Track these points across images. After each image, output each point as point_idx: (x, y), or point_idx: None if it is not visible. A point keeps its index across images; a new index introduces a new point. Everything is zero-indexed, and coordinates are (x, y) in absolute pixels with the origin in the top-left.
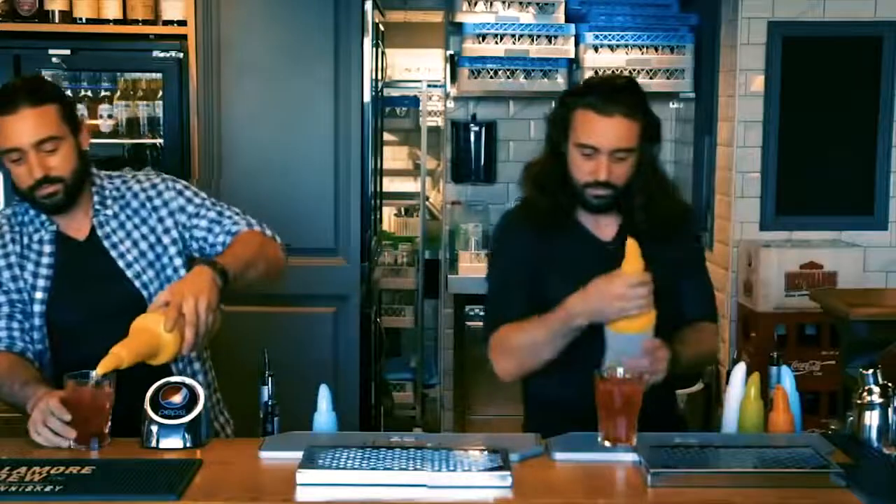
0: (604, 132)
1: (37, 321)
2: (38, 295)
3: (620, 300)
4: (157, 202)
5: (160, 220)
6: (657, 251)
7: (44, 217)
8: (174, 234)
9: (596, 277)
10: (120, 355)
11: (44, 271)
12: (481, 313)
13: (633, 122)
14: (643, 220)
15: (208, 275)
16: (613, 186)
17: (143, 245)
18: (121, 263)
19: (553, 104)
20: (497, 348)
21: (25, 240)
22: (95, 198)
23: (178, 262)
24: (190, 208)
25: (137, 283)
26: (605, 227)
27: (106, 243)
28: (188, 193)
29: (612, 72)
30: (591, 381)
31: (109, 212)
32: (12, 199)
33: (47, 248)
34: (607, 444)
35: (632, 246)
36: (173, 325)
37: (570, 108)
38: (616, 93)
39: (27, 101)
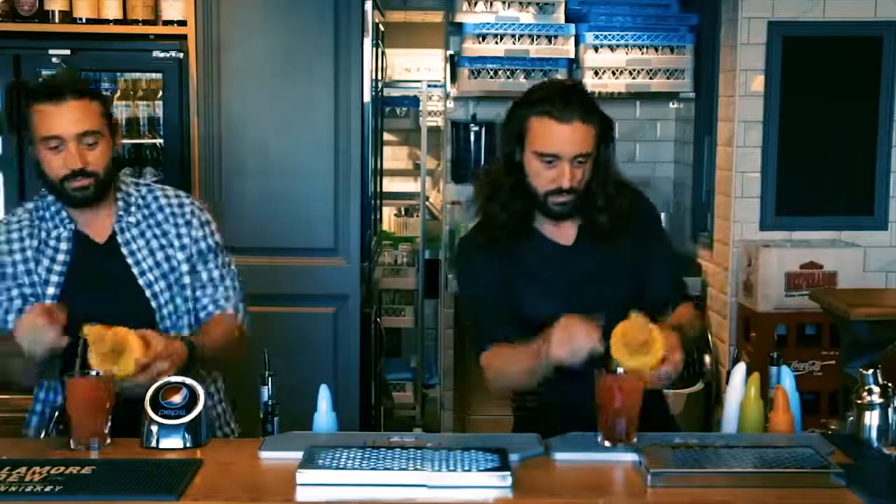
0: (564, 139)
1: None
2: (50, 290)
3: (588, 337)
4: (181, 220)
5: (179, 236)
6: (621, 247)
7: (64, 214)
8: (187, 252)
9: (560, 282)
10: (101, 334)
11: (58, 268)
12: None
13: (590, 126)
14: (604, 222)
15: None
16: (575, 191)
17: (160, 255)
18: (135, 270)
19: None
20: (488, 371)
21: (43, 234)
22: (120, 203)
23: (186, 280)
24: (203, 248)
25: (148, 293)
26: (564, 232)
27: (124, 249)
28: (208, 230)
29: (611, 72)
30: (578, 384)
31: (132, 219)
32: (14, 203)
33: (64, 246)
34: (607, 443)
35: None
36: (139, 370)
37: (524, 116)
38: (570, 97)
39: (74, 93)
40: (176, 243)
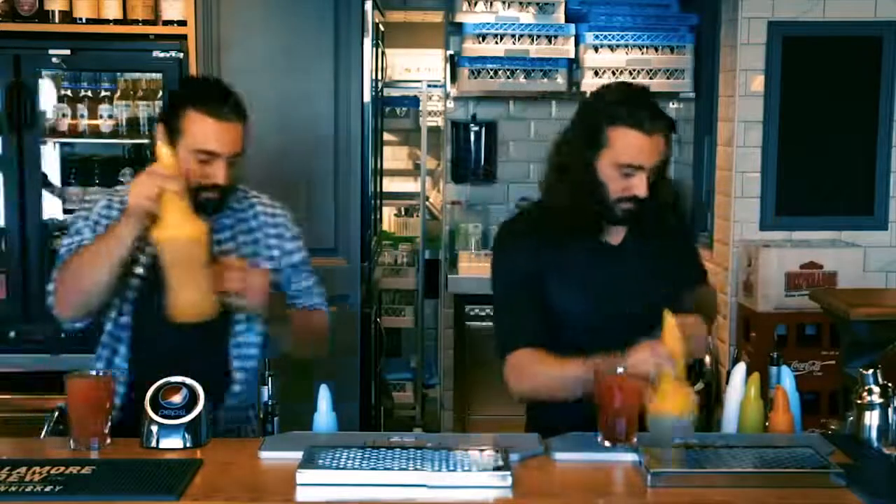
0: (647, 151)
1: (130, 294)
2: (138, 269)
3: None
4: (272, 231)
5: (269, 247)
6: (665, 248)
7: None
8: (276, 263)
9: (600, 280)
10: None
11: (149, 249)
12: (482, 313)
13: (666, 137)
14: (654, 223)
15: (279, 298)
16: (643, 200)
17: (246, 252)
18: None
19: (553, 105)
20: (515, 370)
21: None
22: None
23: None
24: (296, 260)
25: None
26: (614, 233)
27: (214, 248)
28: (298, 244)
29: (611, 72)
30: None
31: (227, 221)
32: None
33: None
34: (607, 443)
35: (669, 324)
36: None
37: (604, 125)
38: (651, 108)
39: (236, 116)
40: (264, 252)
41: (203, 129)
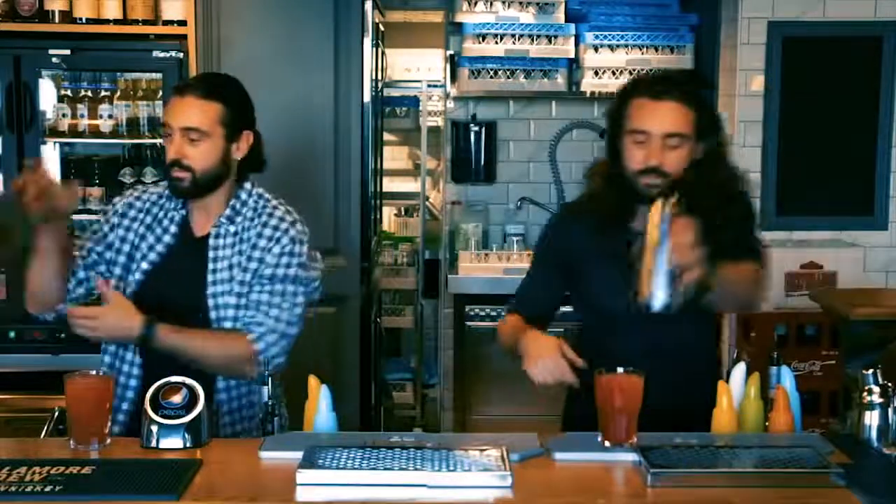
0: (655, 116)
1: (130, 288)
2: (144, 265)
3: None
4: (265, 242)
5: (260, 259)
6: (705, 249)
7: (181, 201)
8: (252, 272)
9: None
10: None
11: (159, 248)
12: (481, 313)
13: (687, 109)
14: (696, 219)
15: (136, 330)
16: (665, 174)
17: (237, 271)
18: (209, 276)
19: (553, 105)
20: (500, 328)
21: (161, 214)
22: (228, 210)
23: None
24: (267, 273)
25: (210, 302)
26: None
27: (210, 253)
28: (285, 261)
29: (611, 72)
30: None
31: (233, 227)
32: None
33: (172, 229)
34: (607, 443)
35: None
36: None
37: (627, 98)
38: (671, 80)
39: (195, 91)
40: (254, 265)
41: (168, 105)
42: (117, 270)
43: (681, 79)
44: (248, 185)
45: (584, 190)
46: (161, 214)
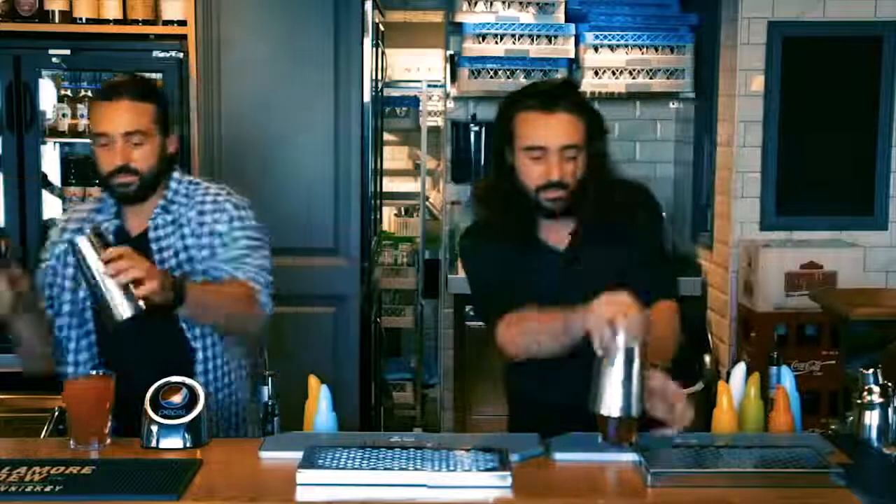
0: (549, 130)
1: (89, 301)
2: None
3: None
4: (209, 217)
5: (211, 233)
6: (615, 249)
7: (114, 210)
8: (206, 244)
9: (551, 289)
10: None
11: None
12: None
13: (578, 118)
14: (597, 222)
15: (168, 283)
16: (566, 186)
17: (183, 256)
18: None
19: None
20: (508, 327)
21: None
22: (161, 201)
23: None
24: (225, 235)
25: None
26: (561, 236)
27: (153, 245)
28: (238, 225)
29: (611, 72)
30: (577, 381)
31: (169, 217)
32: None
33: (110, 239)
34: (607, 443)
35: None
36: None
37: (511, 114)
38: (555, 91)
39: (128, 94)
40: (203, 240)
41: (97, 114)
42: (67, 296)
43: (561, 90)
44: (176, 175)
45: (478, 211)
46: (99, 219)
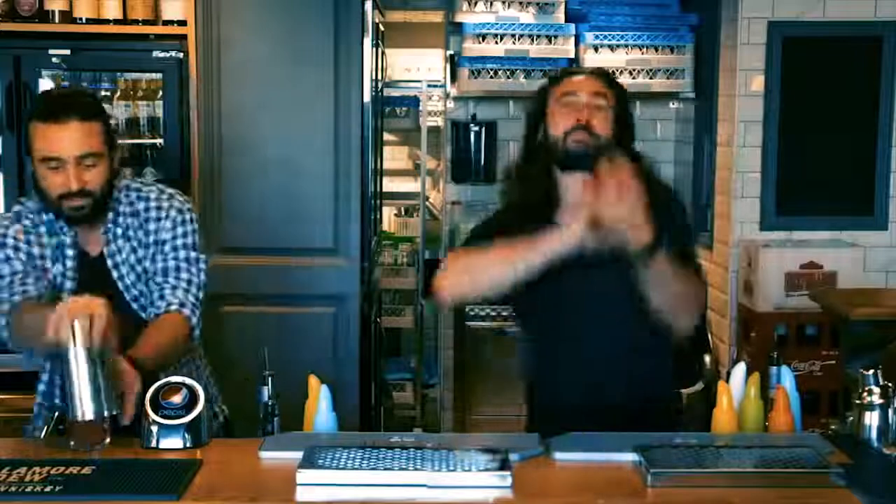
0: (580, 85)
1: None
2: (64, 296)
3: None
4: (153, 224)
5: (156, 241)
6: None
7: (61, 224)
8: (151, 250)
9: (570, 274)
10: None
11: (70, 274)
12: (482, 313)
13: (607, 88)
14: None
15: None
16: (592, 133)
17: (139, 269)
18: (120, 285)
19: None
20: (451, 272)
21: (45, 239)
22: (110, 214)
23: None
24: (167, 241)
25: (135, 306)
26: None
27: (109, 262)
28: (181, 231)
29: (612, 72)
30: (595, 382)
31: (119, 229)
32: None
33: (70, 252)
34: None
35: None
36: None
37: (546, 93)
38: (586, 70)
39: (77, 115)
40: (151, 243)
41: (44, 135)
42: (32, 290)
43: (591, 70)
44: (121, 184)
45: (507, 191)
46: (45, 239)
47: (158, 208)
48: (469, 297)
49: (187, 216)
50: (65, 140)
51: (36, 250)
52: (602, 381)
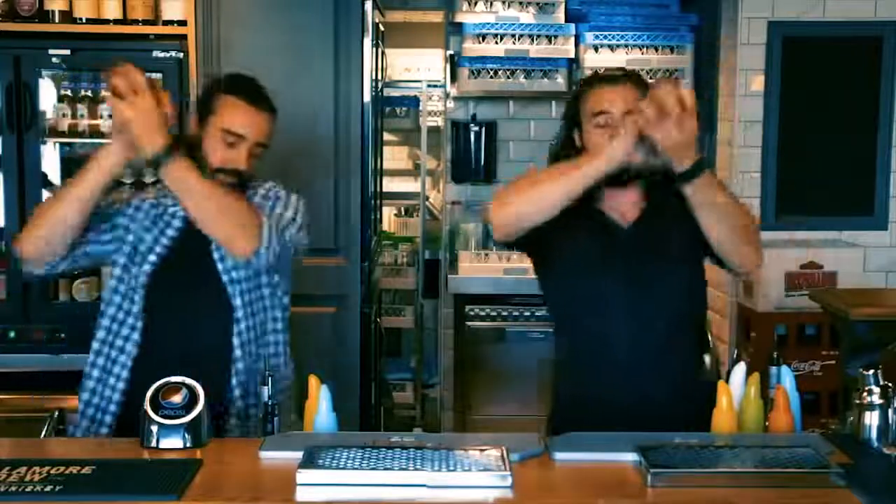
0: (613, 98)
1: (140, 279)
2: (152, 258)
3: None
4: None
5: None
6: (686, 226)
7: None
8: None
9: (616, 264)
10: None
11: (164, 241)
12: (481, 313)
13: (636, 90)
14: (673, 196)
15: (158, 144)
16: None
17: None
18: (220, 267)
19: (553, 105)
20: (501, 195)
21: (161, 209)
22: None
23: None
24: (275, 208)
25: (230, 290)
26: (626, 210)
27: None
28: (279, 206)
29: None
30: (619, 378)
31: None
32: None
33: (175, 223)
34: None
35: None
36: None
37: (581, 92)
38: (617, 71)
39: (268, 107)
40: None
41: (234, 112)
42: (122, 259)
43: (623, 71)
44: None
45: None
46: (159, 214)
47: (266, 196)
48: (519, 221)
49: (293, 198)
50: (253, 123)
51: (140, 214)
52: (636, 377)
